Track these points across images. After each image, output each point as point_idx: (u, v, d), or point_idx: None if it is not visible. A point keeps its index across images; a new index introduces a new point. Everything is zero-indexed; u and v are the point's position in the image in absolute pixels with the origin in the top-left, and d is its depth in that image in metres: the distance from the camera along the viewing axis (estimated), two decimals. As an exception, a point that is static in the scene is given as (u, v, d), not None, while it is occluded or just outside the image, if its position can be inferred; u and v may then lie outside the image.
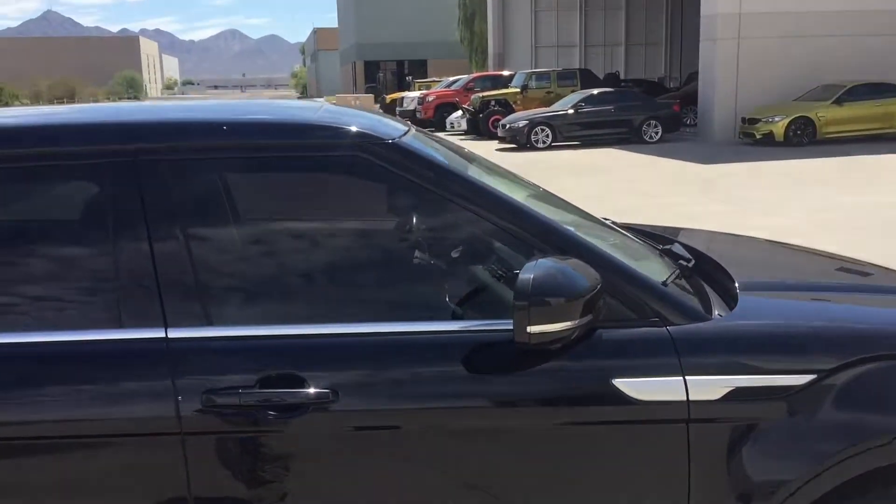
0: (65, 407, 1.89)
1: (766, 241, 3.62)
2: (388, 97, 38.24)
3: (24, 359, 1.91)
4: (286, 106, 2.58)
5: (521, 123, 20.09)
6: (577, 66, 31.19)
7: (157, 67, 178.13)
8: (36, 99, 73.85)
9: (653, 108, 20.87)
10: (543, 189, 2.75)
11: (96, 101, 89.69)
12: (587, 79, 25.85)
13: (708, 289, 2.32)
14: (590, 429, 1.97)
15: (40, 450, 1.88)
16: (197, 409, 1.87)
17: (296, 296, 2.12)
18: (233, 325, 1.99)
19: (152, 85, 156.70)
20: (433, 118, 28.01)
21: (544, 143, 19.89)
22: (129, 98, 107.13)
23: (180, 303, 1.94)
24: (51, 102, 77.44)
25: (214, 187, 2.14)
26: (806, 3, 19.87)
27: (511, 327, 1.87)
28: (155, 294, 1.93)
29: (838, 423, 1.97)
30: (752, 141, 18.33)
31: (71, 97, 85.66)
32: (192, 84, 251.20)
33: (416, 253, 2.37)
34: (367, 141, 2.07)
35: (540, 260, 1.89)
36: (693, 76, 25.72)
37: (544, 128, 19.99)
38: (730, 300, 2.24)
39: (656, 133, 20.32)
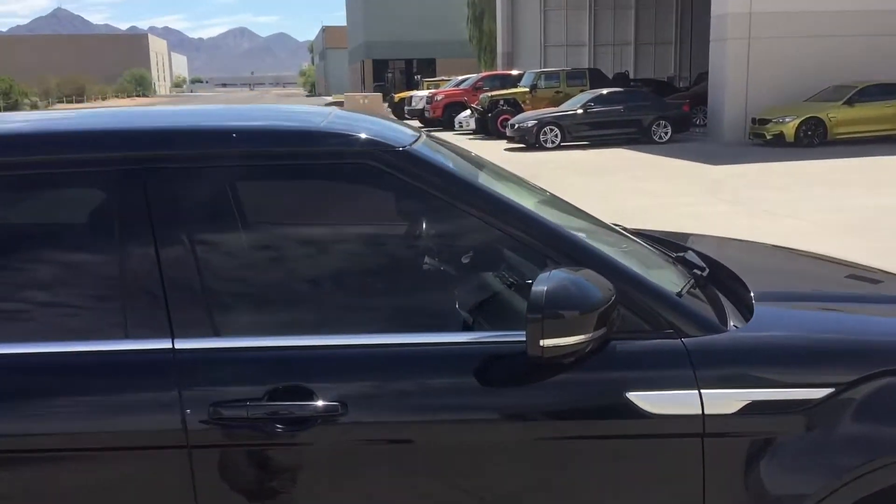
0: (70, 419, 1.86)
1: (778, 247, 3.57)
2: (397, 96, 38.24)
3: (29, 369, 1.88)
4: (295, 111, 2.55)
5: (530, 123, 20.04)
6: (587, 66, 31.12)
7: (166, 65, 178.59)
8: (45, 96, 74.15)
9: (662, 108, 20.78)
10: (553, 194, 2.72)
11: (105, 98, 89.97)
12: (596, 78, 25.77)
13: (723, 299, 2.28)
14: (603, 443, 1.94)
15: (44, 462, 1.86)
16: (204, 422, 1.84)
17: (304, 306, 2.09)
18: (240, 336, 1.96)
19: (161, 83, 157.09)
20: (442, 117, 27.99)
21: (553, 142, 19.83)
22: (137, 96, 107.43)
23: (187, 313, 1.91)
24: (60, 100, 77.84)
25: (223, 196, 2.11)
26: (817, 2, 19.75)
27: (522, 339, 1.84)
28: (162, 304, 1.90)
29: (858, 437, 1.93)
30: (763, 141, 18.23)
31: (80, 95, 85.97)
32: (201, 82, 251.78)
33: (426, 259, 2.35)
34: (377, 148, 2.04)
35: (553, 271, 1.85)
36: (703, 76, 25.63)
37: (553, 128, 19.93)
38: (745, 310, 2.20)
39: (666, 133, 20.24)
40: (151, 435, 1.86)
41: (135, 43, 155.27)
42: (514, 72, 29.80)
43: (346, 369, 1.92)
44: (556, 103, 22.97)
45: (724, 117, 20.05)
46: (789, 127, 17.69)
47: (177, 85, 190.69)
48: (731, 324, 2.08)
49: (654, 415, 1.90)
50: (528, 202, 2.27)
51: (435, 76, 47.29)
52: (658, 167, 15.33)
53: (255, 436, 1.86)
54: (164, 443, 1.85)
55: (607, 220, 2.76)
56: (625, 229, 2.84)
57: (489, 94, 25.25)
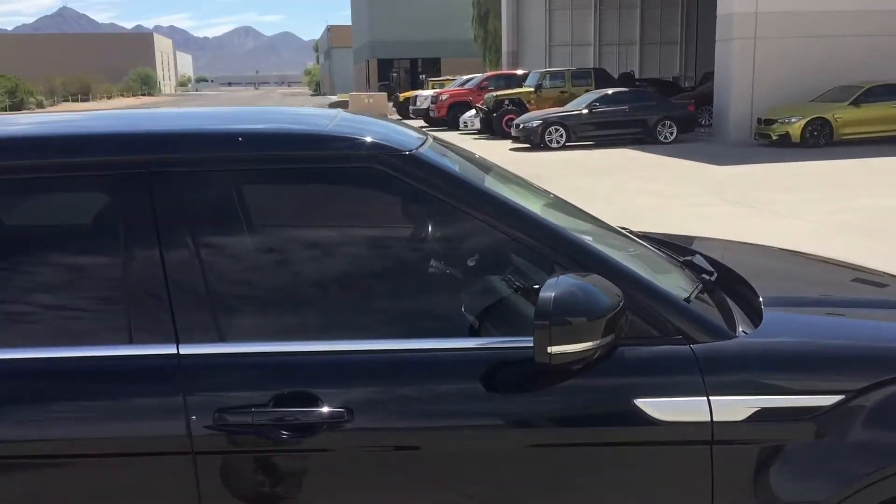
0: (75, 425, 1.85)
1: (785, 250, 3.55)
2: (402, 95, 38.23)
3: (34, 374, 1.87)
4: (301, 114, 2.54)
5: (535, 123, 20.01)
6: (592, 66, 31.06)
7: (171, 64, 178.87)
8: (50, 95, 74.23)
9: (668, 108, 20.74)
10: (559, 197, 2.70)
11: (110, 97, 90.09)
12: (602, 78, 25.71)
13: (731, 304, 2.26)
14: (610, 450, 1.92)
15: (49, 468, 1.85)
16: (209, 428, 1.82)
17: (310, 311, 2.07)
18: (245, 342, 1.95)
19: (166, 82, 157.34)
20: (446, 117, 27.96)
21: (558, 142, 19.80)
22: (142, 95, 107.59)
23: (192, 318, 1.90)
24: (65, 99, 77.96)
25: (228, 200, 2.10)
26: (823, 2, 19.69)
27: (529, 344, 1.82)
28: (167, 309, 1.89)
29: (868, 444, 1.91)
30: (768, 142, 18.18)
31: (85, 94, 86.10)
32: (206, 81, 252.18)
33: (432, 263, 2.33)
34: (383, 152, 2.02)
35: (561, 277, 1.84)
36: (708, 76, 25.57)
37: (558, 128, 19.90)
38: (754, 316, 2.18)
39: (671, 133, 20.20)
40: (156, 441, 1.84)
41: (140, 42, 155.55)
42: (519, 71, 29.76)
43: (351, 375, 1.90)
44: (562, 103, 22.94)
45: (730, 117, 20.00)
46: (795, 127, 17.64)
47: (182, 84, 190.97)
48: (740, 329, 2.06)
49: (663, 422, 1.89)
50: (534, 206, 2.25)
51: (440, 76, 47.27)
52: (663, 167, 15.30)
53: (260, 442, 1.85)
54: (168, 449, 1.84)
55: (613, 222, 2.75)
56: (632, 233, 2.82)
57: (494, 93, 25.21)
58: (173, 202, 1.94)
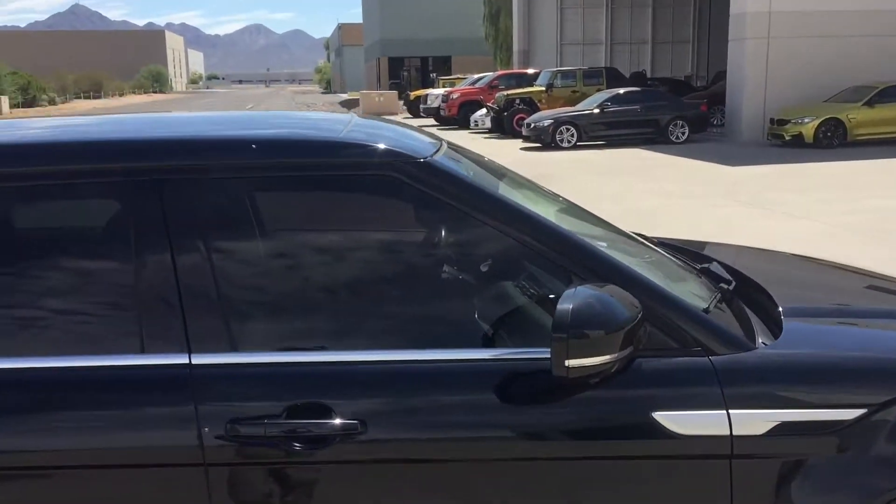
0: (86, 434, 1.83)
1: (802, 257, 3.51)
2: (413, 94, 38.18)
3: (44, 384, 1.85)
4: (315, 119, 2.52)
5: (546, 122, 19.94)
6: (603, 64, 30.96)
7: (183, 62, 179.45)
8: (63, 92, 74.48)
9: (680, 107, 20.63)
10: (573, 203, 2.66)
11: (122, 95, 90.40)
12: (613, 77, 25.61)
13: (750, 314, 2.22)
14: (627, 463, 1.89)
15: (58, 479, 1.83)
16: (221, 440, 1.80)
17: (323, 321, 2.05)
18: (258, 352, 1.93)
19: (177, 79, 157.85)
20: (457, 116, 27.91)
21: (569, 142, 19.73)
22: (154, 92, 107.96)
23: (204, 327, 1.87)
24: (77, 96, 78.25)
25: (242, 207, 2.08)
26: (837, 2, 19.55)
27: (545, 356, 1.80)
28: (179, 318, 1.87)
29: (892, 458, 1.88)
30: (781, 142, 18.07)
31: (97, 91, 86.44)
32: (217, 78, 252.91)
33: (448, 271, 2.30)
34: (398, 160, 1.99)
35: (578, 288, 1.81)
36: (720, 75, 25.44)
37: (569, 127, 19.82)
38: (773, 326, 2.15)
39: (683, 133, 20.09)
40: (168, 452, 1.82)
41: (152, 39, 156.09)
42: (531, 70, 29.68)
43: (365, 386, 1.88)
44: (573, 102, 22.85)
45: (743, 117, 19.89)
46: (808, 128, 17.52)
47: (193, 81, 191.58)
48: (760, 341, 2.03)
49: (681, 435, 1.85)
50: (548, 212, 2.22)
51: (450, 74, 47.23)
52: (675, 168, 15.22)
53: (272, 454, 1.83)
54: (180, 460, 1.82)
55: (624, 223, 2.71)
56: (646, 239, 2.79)
57: (505, 92, 25.14)
58: (186, 210, 1.92)
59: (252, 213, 2.14)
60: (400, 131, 2.39)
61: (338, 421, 1.82)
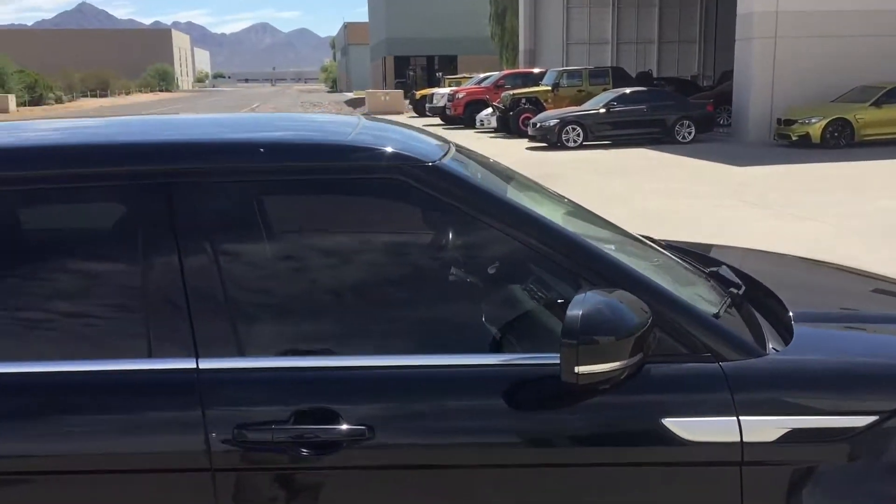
0: (94, 440, 1.83)
1: (811, 260, 3.49)
2: (418, 93, 38.16)
3: (53, 388, 1.84)
4: (322, 122, 2.51)
5: (552, 122, 19.92)
6: (609, 64, 30.91)
7: (189, 60, 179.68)
8: (69, 91, 74.64)
9: (686, 107, 20.58)
10: (580, 206, 2.65)
11: (128, 93, 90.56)
12: (619, 77, 25.57)
13: (760, 319, 2.21)
14: (636, 470, 1.88)
15: (65, 484, 1.82)
16: (228, 445, 1.79)
17: (332, 325, 2.03)
18: (265, 357, 1.92)
19: (184, 78, 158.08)
20: (463, 115, 27.90)
21: (575, 142, 19.70)
22: (160, 91, 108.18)
23: (212, 332, 1.86)
24: (84, 94, 78.41)
25: (249, 211, 2.07)
26: (845, 2, 19.48)
27: (554, 362, 1.79)
28: (186, 323, 1.86)
29: None
30: (788, 142, 18.01)
31: (104, 89, 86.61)
32: (223, 77, 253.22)
33: (455, 275, 2.29)
34: (406, 163, 1.98)
35: (588, 293, 1.79)
36: (727, 75, 25.38)
37: (575, 127, 19.79)
38: (783, 331, 2.13)
39: (689, 133, 20.05)
40: (175, 457, 1.81)
41: (158, 38, 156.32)
42: (536, 70, 29.64)
43: (372, 391, 1.87)
44: (579, 102, 22.82)
45: (749, 117, 19.83)
46: (816, 128, 17.47)
47: (199, 80, 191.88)
48: (770, 346, 2.01)
49: (691, 442, 1.84)
50: (557, 216, 2.21)
51: (456, 73, 47.19)
52: (681, 168, 15.19)
53: (280, 459, 1.82)
54: (187, 465, 1.81)
55: (630, 223, 2.70)
56: (655, 242, 2.77)
57: (511, 92, 25.12)
58: (193, 214, 1.91)
59: (260, 217, 2.13)
60: (408, 134, 2.38)
61: (345, 426, 1.80)
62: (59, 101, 65.63)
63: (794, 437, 1.85)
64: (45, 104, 61.15)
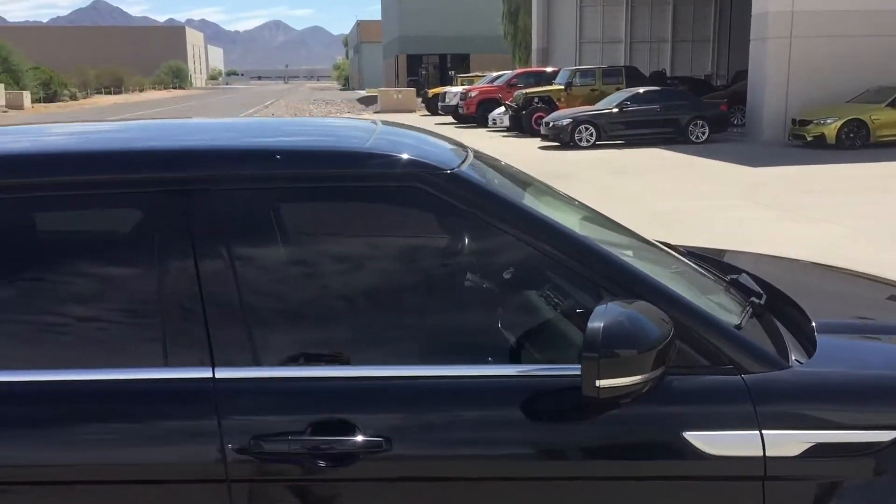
0: (110, 449, 1.81)
1: (831, 267, 3.45)
2: (431, 91, 38.12)
3: (67, 397, 1.83)
4: (340, 127, 2.49)
5: (565, 121, 19.86)
6: (622, 63, 30.81)
7: (203, 58, 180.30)
8: (84, 87, 74.91)
9: (700, 107, 20.49)
10: (597, 211, 2.62)
11: (142, 90, 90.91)
12: (633, 76, 25.47)
13: (782, 329, 2.17)
14: (657, 484, 1.85)
15: (79, 494, 1.81)
16: (245, 455, 1.77)
17: (349, 335, 2.01)
18: (282, 366, 1.90)
19: (197, 75, 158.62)
20: (475, 114, 27.87)
21: (588, 141, 19.64)
22: (174, 88, 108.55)
23: (229, 341, 1.84)
24: (98, 91, 78.74)
25: (266, 219, 2.05)
26: (862, 1, 19.32)
27: (574, 373, 1.76)
28: (203, 331, 1.84)
29: None
30: (803, 143, 17.89)
31: (118, 86, 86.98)
32: (237, 74, 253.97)
33: (468, 276, 2.27)
34: (424, 171, 1.96)
35: (609, 304, 1.77)
36: (741, 74, 25.24)
37: (588, 126, 19.73)
38: (806, 342, 2.10)
39: (703, 133, 19.95)
40: (191, 467, 1.80)
41: (172, 35, 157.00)
42: (549, 68, 29.58)
43: (390, 402, 1.85)
44: (592, 101, 22.75)
45: (764, 118, 19.72)
46: (831, 128, 17.35)
47: (213, 77, 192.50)
48: (793, 358, 1.98)
49: (713, 456, 1.81)
50: (575, 222, 2.19)
51: (469, 72, 47.12)
52: (695, 168, 15.11)
53: (296, 470, 1.80)
54: (203, 476, 1.79)
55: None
56: (673, 248, 2.74)
57: (524, 91, 25.07)
58: (210, 221, 1.89)
59: (276, 224, 2.11)
60: (426, 140, 2.36)
61: (362, 438, 1.78)
62: (73, 97, 65.89)
63: (818, 451, 1.82)
64: (59, 101, 61.40)
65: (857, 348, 2.20)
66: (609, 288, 1.91)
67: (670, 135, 19.80)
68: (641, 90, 20.91)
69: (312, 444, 1.78)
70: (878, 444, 1.83)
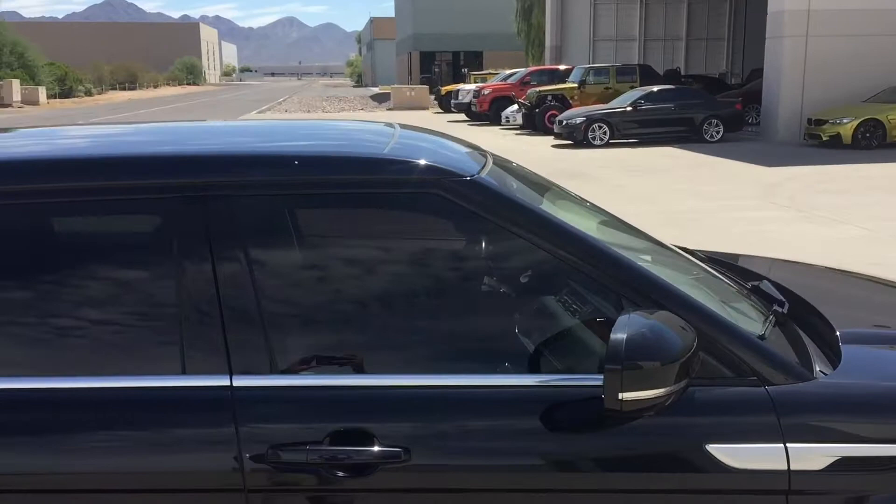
0: (126, 457, 1.80)
1: (852, 273, 3.40)
2: (444, 89, 38.07)
3: (84, 404, 1.82)
4: (359, 131, 2.47)
5: (579, 120, 19.79)
6: (636, 61, 30.67)
7: (217, 54, 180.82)
8: (98, 83, 75.25)
9: (714, 106, 20.37)
10: (615, 216, 2.59)
11: (156, 86, 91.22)
12: (647, 74, 25.33)
13: (806, 339, 2.14)
14: (679, 497, 1.82)
15: (94, 503, 1.80)
16: (262, 465, 1.76)
17: (367, 344, 2.00)
18: (300, 374, 1.88)
19: (211, 71, 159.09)
20: (488, 112, 27.82)
21: (601, 140, 19.56)
22: (188, 84, 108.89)
23: (246, 349, 1.83)
24: (112, 87, 79.08)
25: (284, 225, 2.03)
26: (879, 0, 19.15)
27: (595, 383, 1.74)
28: (220, 339, 1.82)
29: None
30: (818, 143, 17.76)
31: (132, 82, 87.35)
32: (250, 71, 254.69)
33: (485, 280, 2.25)
34: (444, 178, 1.94)
35: (632, 315, 1.74)
36: (756, 73, 25.07)
37: (602, 125, 19.65)
38: (830, 353, 2.06)
39: (717, 132, 19.84)
40: (207, 476, 1.78)
41: (186, 31, 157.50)
42: (563, 66, 29.48)
43: (409, 412, 1.83)
44: (605, 100, 22.66)
45: (779, 117, 19.58)
46: (847, 128, 17.21)
47: (226, 74, 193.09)
48: (818, 369, 1.95)
49: (736, 469, 1.78)
50: (594, 228, 2.16)
51: (482, 69, 47.07)
52: (709, 168, 15.02)
53: (314, 480, 1.78)
54: (220, 485, 1.78)
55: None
56: (692, 253, 2.71)
57: (537, 89, 24.99)
58: (227, 227, 1.87)
59: (294, 231, 2.09)
60: (444, 144, 2.33)
61: (381, 448, 1.76)
62: (88, 93, 66.18)
63: (843, 465, 1.79)
64: (74, 97, 61.70)
65: (882, 359, 2.16)
66: (629, 296, 1.88)
67: (684, 134, 19.70)
68: (655, 89, 20.81)
69: (330, 454, 1.76)
70: None
